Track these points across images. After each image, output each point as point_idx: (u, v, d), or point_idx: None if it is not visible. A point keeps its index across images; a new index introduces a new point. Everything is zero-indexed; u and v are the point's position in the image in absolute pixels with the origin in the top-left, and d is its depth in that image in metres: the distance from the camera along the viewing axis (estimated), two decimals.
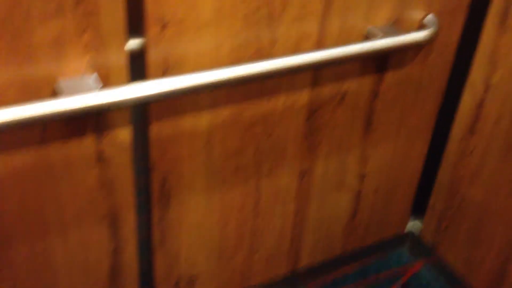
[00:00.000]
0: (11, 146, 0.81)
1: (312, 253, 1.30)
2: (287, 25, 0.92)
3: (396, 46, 0.99)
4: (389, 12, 1.00)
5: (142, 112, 0.91)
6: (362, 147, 1.18)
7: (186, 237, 1.07)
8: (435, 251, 1.38)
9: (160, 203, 1.00)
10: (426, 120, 1.23)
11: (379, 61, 1.07)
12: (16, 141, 0.81)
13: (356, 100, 1.10)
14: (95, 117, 0.84)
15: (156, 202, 0.99)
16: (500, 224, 1.20)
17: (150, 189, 0.98)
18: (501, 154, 1.16)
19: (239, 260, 1.18)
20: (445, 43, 1.12)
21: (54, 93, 0.78)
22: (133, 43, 0.82)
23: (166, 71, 0.86)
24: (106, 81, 0.81)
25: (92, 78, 0.79)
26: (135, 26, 0.81)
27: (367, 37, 1.00)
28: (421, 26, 1.05)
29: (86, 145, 0.86)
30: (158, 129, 0.91)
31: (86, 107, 0.76)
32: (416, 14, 1.04)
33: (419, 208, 1.41)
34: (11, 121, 0.71)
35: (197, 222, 1.07)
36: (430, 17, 1.03)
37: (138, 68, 0.85)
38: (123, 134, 0.88)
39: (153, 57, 0.83)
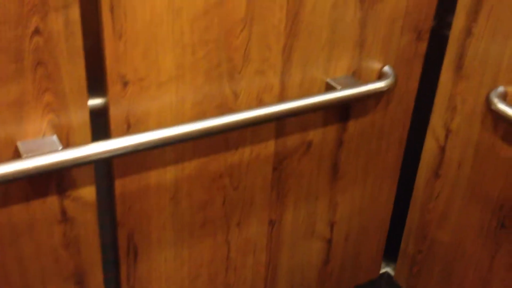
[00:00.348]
0: None
1: None
2: (248, 78, 0.94)
3: (356, 96, 1.02)
4: (347, 63, 1.04)
5: (105, 169, 0.91)
6: (330, 195, 1.19)
7: None
8: None
9: (128, 259, 0.99)
10: (392, 166, 1.25)
11: (342, 111, 1.10)
12: None
13: (321, 149, 1.12)
14: (57, 176, 0.84)
15: (124, 258, 0.98)
16: (470, 266, 1.21)
17: (117, 246, 0.97)
18: (465, 198, 1.18)
19: None
20: (405, 91, 1.15)
21: (15, 154, 0.78)
22: (95, 102, 0.83)
23: (129, 128, 0.87)
24: (68, 140, 0.82)
25: (53, 138, 0.79)
26: (96, 85, 0.82)
27: (328, 88, 1.03)
28: (380, 76, 1.08)
29: (49, 204, 0.85)
30: (122, 185, 0.91)
31: (47, 167, 0.76)
32: (374, 65, 1.07)
33: (392, 252, 1.42)
34: None
35: (167, 276, 1.05)
36: (387, 68, 1.07)
37: (100, 126, 0.85)
38: (87, 192, 0.88)
39: (115, 115, 0.84)
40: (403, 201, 1.33)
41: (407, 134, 1.22)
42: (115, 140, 0.81)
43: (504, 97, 1.03)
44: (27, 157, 0.75)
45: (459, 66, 1.10)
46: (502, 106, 1.00)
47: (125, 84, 0.83)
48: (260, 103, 0.98)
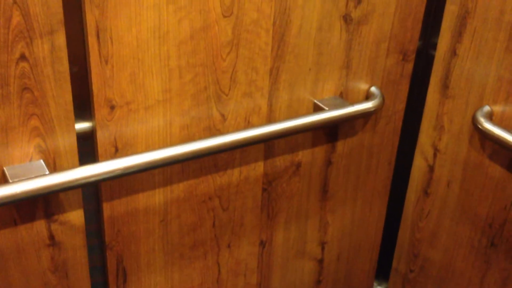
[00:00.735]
0: None
1: None
2: (236, 100, 0.95)
3: (344, 116, 1.02)
4: (334, 85, 1.05)
5: (93, 192, 0.91)
6: (320, 215, 1.19)
7: None
8: None
9: (117, 282, 0.98)
10: (381, 185, 1.25)
11: (330, 131, 1.10)
12: None
13: (311, 169, 1.12)
14: (45, 200, 0.84)
15: (113, 281, 0.98)
16: (461, 285, 1.21)
17: (106, 269, 0.97)
18: (455, 216, 1.18)
19: None
20: (392, 111, 1.16)
21: (2, 179, 0.78)
22: (82, 126, 0.84)
23: (117, 152, 0.87)
24: (55, 164, 0.82)
25: (40, 163, 0.79)
26: (83, 109, 0.83)
27: (315, 109, 1.04)
28: (367, 97, 1.09)
29: (37, 228, 0.85)
30: (111, 208, 0.91)
31: (34, 192, 0.76)
32: (361, 86, 1.08)
33: (383, 271, 1.41)
34: None
35: None
36: (374, 88, 1.08)
37: (88, 150, 0.86)
38: (75, 216, 0.88)
39: (102, 139, 0.85)
40: (394, 220, 1.33)
41: (396, 154, 1.23)
42: (103, 164, 0.81)
43: (490, 117, 1.04)
44: (14, 182, 0.75)
45: (445, 86, 1.11)
46: (488, 126, 1.01)
47: (112, 108, 0.83)
48: (248, 125, 0.98)
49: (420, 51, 1.13)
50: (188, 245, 1.04)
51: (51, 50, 0.74)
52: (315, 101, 1.03)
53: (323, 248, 1.25)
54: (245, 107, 0.97)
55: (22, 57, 0.73)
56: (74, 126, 0.81)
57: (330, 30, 0.98)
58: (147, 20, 0.80)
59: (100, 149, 0.85)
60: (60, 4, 0.73)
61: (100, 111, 0.82)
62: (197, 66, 0.88)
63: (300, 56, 0.98)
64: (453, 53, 1.08)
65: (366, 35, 1.03)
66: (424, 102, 1.17)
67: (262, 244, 1.15)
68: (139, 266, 0.99)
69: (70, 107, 0.79)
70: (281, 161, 1.07)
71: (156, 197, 0.95)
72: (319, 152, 1.11)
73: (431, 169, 1.20)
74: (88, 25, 0.76)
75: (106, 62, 0.79)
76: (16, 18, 0.71)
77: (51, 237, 0.87)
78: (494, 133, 1.00)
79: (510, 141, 0.98)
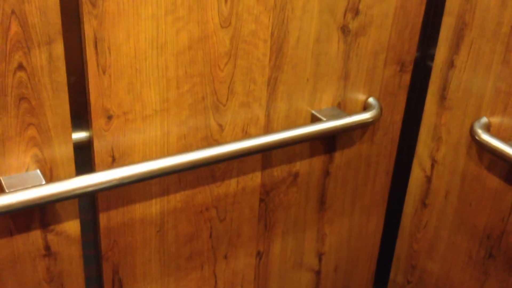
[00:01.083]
0: None
1: None
2: (234, 111, 0.95)
3: (342, 127, 1.02)
4: (332, 95, 1.05)
5: (90, 202, 0.90)
6: (318, 226, 1.19)
7: None
8: None
9: None
10: (379, 196, 1.25)
11: (328, 142, 1.10)
12: None
13: (308, 180, 1.12)
14: (41, 210, 0.83)
15: None
16: None
17: (101, 280, 0.96)
18: (453, 227, 1.18)
19: None
20: (390, 121, 1.16)
21: None
22: (79, 136, 0.83)
23: (114, 162, 0.87)
24: (52, 174, 0.82)
25: (37, 172, 0.79)
26: (80, 118, 0.83)
27: (313, 120, 1.04)
28: (365, 107, 1.09)
29: (33, 239, 0.85)
30: (107, 219, 0.91)
31: (31, 202, 0.75)
32: (359, 96, 1.08)
33: (381, 282, 1.41)
34: None
35: None
36: (371, 99, 1.08)
37: (85, 160, 0.85)
38: (71, 226, 0.87)
39: (99, 149, 0.84)
40: (392, 231, 1.32)
41: (394, 164, 1.23)
42: (100, 174, 0.81)
43: (487, 128, 1.04)
44: (11, 192, 0.75)
45: (443, 97, 1.12)
46: (486, 137, 1.01)
47: (110, 117, 0.83)
48: (246, 135, 0.98)
49: (417, 62, 1.13)
50: (184, 256, 1.03)
51: (49, 60, 0.74)
52: (313, 111, 1.03)
53: (320, 259, 1.25)
54: (243, 117, 0.96)
55: (20, 67, 0.73)
56: (71, 136, 0.81)
57: (328, 41, 0.99)
58: (145, 31, 0.80)
59: (97, 159, 0.85)
60: (59, 14, 0.73)
61: (98, 121, 0.82)
62: (195, 76, 0.88)
63: (298, 67, 0.98)
64: (451, 64, 1.08)
65: (364, 46, 1.03)
66: (421, 113, 1.17)
67: (259, 255, 1.14)
68: (135, 277, 0.99)
69: (68, 117, 0.79)
70: (278, 172, 1.07)
71: (153, 208, 0.95)
72: (317, 162, 1.11)
73: (428, 180, 1.20)
74: (86, 35, 0.76)
75: (104, 72, 0.79)
76: (14, 28, 0.70)
77: (47, 247, 0.87)
78: (491, 145, 1.00)
79: (507, 153, 0.98)
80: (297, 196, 1.12)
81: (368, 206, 1.24)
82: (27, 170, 0.79)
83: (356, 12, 0.99)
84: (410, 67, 1.12)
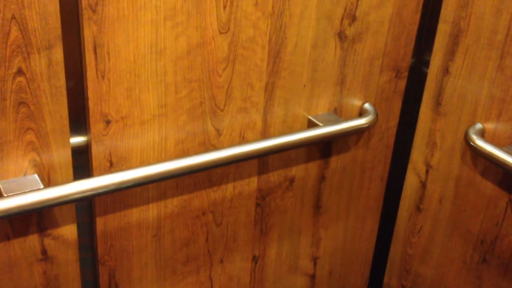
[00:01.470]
0: None
1: None
2: (231, 116, 0.95)
3: (338, 133, 1.03)
4: (329, 101, 1.05)
5: (87, 206, 0.90)
6: (313, 230, 1.20)
7: None
8: None
9: None
10: (374, 200, 1.26)
11: (324, 147, 1.11)
12: None
13: (304, 184, 1.12)
14: (38, 214, 0.83)
15: None
16: None
17: (97, 284, 0.96)
18: (447, 232, 1.19)
19: None
20: (385, 127, 1.17)
21: None
22: (77, 140, 0.83)
23: (111, 166, 0.87)
24: (50, 179, 0.82)
25: (35, 177, 0.79)
26: (79, 123, 0.83)
27: (310, 125, 1.04)
28: (360, 113, 1.10)
29: (30, 243, 0.85)
30: (104, 223, 0.91)
31: (28, 207, 0.75)
32: (355, 102, 1.09)
33: (375, 287, 1.41)
34: None
35: None
36: (367, 105, 1.09)
37: (83, 164, 0.86)
38: (68, 230, 0.87)
39: (97, 153, 0.84)
40: (386, 236, 1.33)
41: (389, 170, 1.24)
42: (97, 178, 0.81)
43: (482, 134, 1.05)
44: (9, 196, 0.75)
45: (437, 103, 1.13)
46: (480, 143, 1.02)
47: (108, 122, 0.83)
48: (243, 140, 0.99)
49: (413, 68, 1.14)
50: (181, 260, 1.03)
51: (48, 65, 0.74)
52: (310, 117, 1.04)
53: (315, 264, 1.25)
54: (240, 123, 0.97)
55: (19, 72, 0.73)
56: (69, 141, 0.81)
57: (325, 47, 0.99)
58: (144, 36, 0.81)
59: (95, 164, 0.85)
60: (59, 19, 0.73)
61: (96, 125, 0.82)
62: (193, 82, 0.88)
63: (295, 73, 0.98)
64: (446, 71, 1.09)
65: (360, 53, 1.04)
66: (416, 119, 1.18)
67: (254, 259, 1.14)
68: (131, 281, 0.99)
69: (66, 121, 0.79)
70: (275, 177, 1.08)
71: (150, 212, 0.95)
72: (313, 167, 1.12)
73: (423, 185, 1.21)
74: (85, 40, 0.76)
75: (103, 77, 0.80)
76: (14, 33, 0.71)
77: (44, 251, 0.87)
78: (486, 150, 1.01)
79: (502, 158, 0.99)
80: (293, 200, 1.13)
81: (363, 210, 1.25)
82: (25, 174, 0.79)
83: (353, 19, 1.00)
84: (405, 74, 1.13)
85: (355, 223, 1.26)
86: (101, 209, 0.90)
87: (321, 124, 1.02)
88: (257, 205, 1.08)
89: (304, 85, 1.01)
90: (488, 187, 1.08)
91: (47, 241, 0.86)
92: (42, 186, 0.78)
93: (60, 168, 0.82)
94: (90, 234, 0.93)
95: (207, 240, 1.05)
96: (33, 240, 0.85)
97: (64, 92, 0.77)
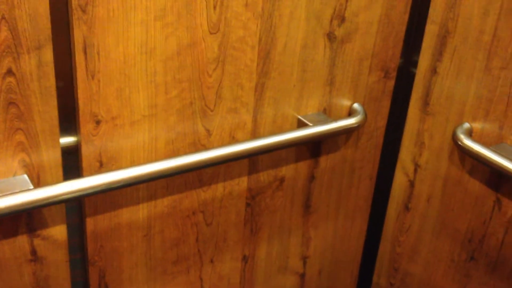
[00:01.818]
0: None
1: None
2: (221, 116, 0.96)
3: (327, 132, 1.04)
4: (318, 101, 1.06)
5: (77, 207, 0.90)
6: (303, 229, 1.20)
7: None
8: None
9: None
10: (363, 200, 1.27)
11: (313, 147, 1.12)
12: None
13: (294, 184, 1.13)
14: (27, 215, 0.83)
15: None
16: None
17: (87, 285, 0.96)
18: (435, 231, 1.20)
19: None
20: (374, 127, 1.18)
21: None
22: (67, 140, 0.83)
23: (101, 166, 0.87)
24: (39, 179, 0.81)
25: (24, 177, 0.79)
26: (68, 123, 0.83)
27: (299, 125, 1.05)
28: (350, 113, 1.11)
29: (19, 243, 0.84)
30: (94, 224, 0.91)
31: (18, 207, 0.75)
32: (344, 102, 1.10)
33: (364, 285, 1.42)
34: None
35: None
36: (356, 105, 1.10)
37: (73, 165, 0.85)
38: (58, 231, 0.87)
39: (87, 154, 0.84)
40: (375, 235, 1.34)
41: (377, 169, 1.25)
42: (87, 179, 0.81)
43: (469, 133, 1.06)
44: None
45: (425, 103, 1.14)
46: (468, 142, 1.03)
47: (98, 122, 0.83)
48: (233, 140, 0.99)
49: (401, 69, 1.15)
50: (171, 260, 1.03)
51: (38, 65, 0.74)
52: (299, 117, 1.04)
53: (305, 263, 1.26)
54: (230, 123, 0.97)
55: (9, 72, 0.72)
56: (59, 141, 0.81)
57: (314, 48, 1.00)
58: (135, 36, 0.81)
59: (85, 164, 0.85)
60: (48, 19, 0.73)
61: (86, 126, 0.82)
62: (183, 82, 0.88)
63: (284, 73, 0.99)
64: (434, 71, 1.10)
65: (349, 53, 1.05)
66: (405, 118, 1.19)
67: (244, 259, 1.15)
68: (121, 282, 0.99)
69: (56, 122, 0.79)
70: (264, 176, 1.08)
71: (140, 212, 0.95)
72: (302, 167, 1.12)
73: (411, 184, 1.22)
74: (75, 40, 0.76)
75: (93, 77, 0.80)
76: (4, 33, 0.70)
77: (33, 252, 0.86)
78: (473, 150, 1.02)
79: (489, 157, 1.00)
80: (282, 200, 1.13)
81: (352, 210, 1.26)
82: (14, 175, 0.79)
83: (342, 19, 1.01)
84: (394, 74, 1.14)
85: (344, 222, 1.27)
86: (91, 210, 0.89)
87: (310, 124, 1.03)
88: (247, 205, 1.09)
89: (294, 85, 1.01)
90: (476, 186, 1.09)
91: (37, 241, 0.86)
92: (31, 187, 0.78)
93: (50, 168, 0.81)
94: (80, 234, 0.93)
95: (197, 240, 1.05)
96: (22, 240, 0.84)
97: (54, 92, 0.77)
